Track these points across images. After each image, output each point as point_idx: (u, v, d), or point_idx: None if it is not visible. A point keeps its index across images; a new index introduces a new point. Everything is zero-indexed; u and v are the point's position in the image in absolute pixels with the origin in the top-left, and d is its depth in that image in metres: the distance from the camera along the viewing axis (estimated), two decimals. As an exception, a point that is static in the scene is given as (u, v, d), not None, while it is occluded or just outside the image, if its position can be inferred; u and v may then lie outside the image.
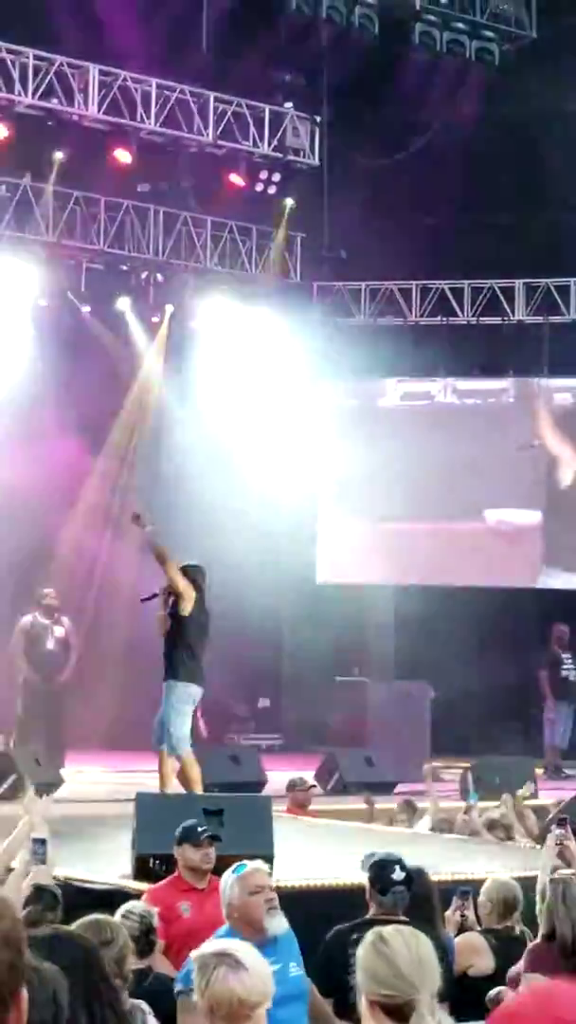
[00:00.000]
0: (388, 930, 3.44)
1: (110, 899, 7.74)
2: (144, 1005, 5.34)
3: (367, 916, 6.49)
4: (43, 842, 6.71)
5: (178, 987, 5.38)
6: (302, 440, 22.04)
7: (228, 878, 5.95)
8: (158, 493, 21.20)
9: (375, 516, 21.87)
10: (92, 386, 20.45)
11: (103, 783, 15.65)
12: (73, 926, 5.13)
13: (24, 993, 1.56)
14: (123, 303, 20.96)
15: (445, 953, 6.75)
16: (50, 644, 16.47)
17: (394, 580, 21.08)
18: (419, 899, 6.83)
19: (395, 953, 3.32)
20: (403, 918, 6.47)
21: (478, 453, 21.65)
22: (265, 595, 21.58)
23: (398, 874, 6.51)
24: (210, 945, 3.98)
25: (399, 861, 6.60)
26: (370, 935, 3.46)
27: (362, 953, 3.41)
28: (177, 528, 21.01)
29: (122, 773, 16.58)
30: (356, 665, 19.10)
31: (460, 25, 20.83)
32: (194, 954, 3.90)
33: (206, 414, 21.24)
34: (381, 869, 6.57)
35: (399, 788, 15.13)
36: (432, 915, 6.98)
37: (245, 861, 6.18)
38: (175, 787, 11.49)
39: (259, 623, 21.65)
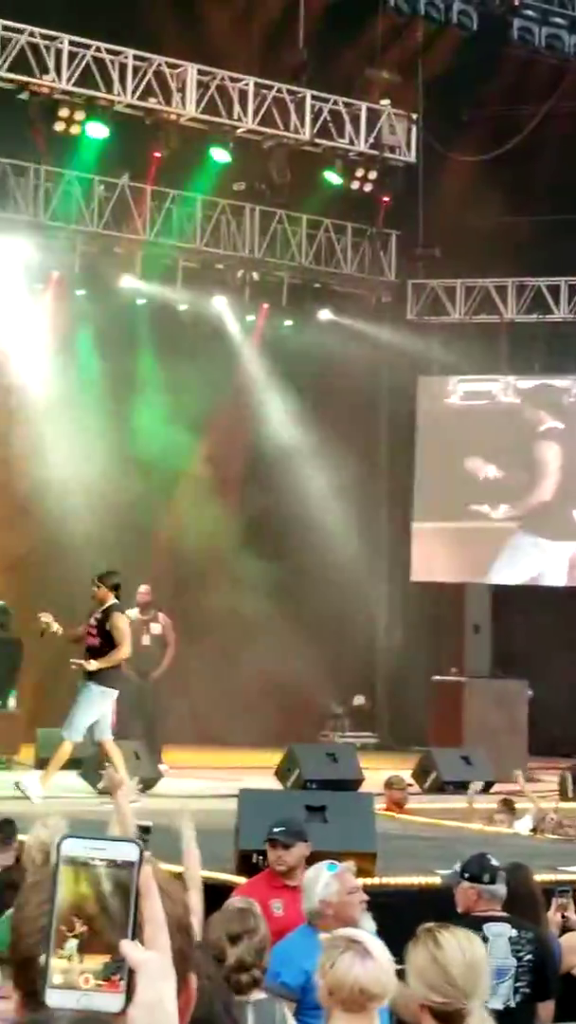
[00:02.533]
0: (444, 934, 3.37)
1: (213, 894, 7.77)
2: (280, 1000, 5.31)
3: (460, 911, 6.47)
4: (147, 830, 6.72)
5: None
6: (396, 437, 22.01)
7: (323, 875, 5.96)
8: (256, 489, 21.30)
9: (470, 514, 21.80)
10: (190, 384, 20.56)
11: (200, 778, 15.72)
12: (216, 914, 5.17)
13: (193, 978, 1.60)
14: (219, 301, 21.05)
15: (550, 951, 6.74)
16: (146, 640, 16.59)
17: (490, 578, 20.98)
18: (521, 896, 6.81)
19: (449, 960, 3.26)
20: (501, 913, 6.47)
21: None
22: (360, 594, 21.59)
23: (491, 869, 6.55)
24: (349, 930, 3.99)
25: (492, 858, 6.64)
26: (424, 936, 3.40)
27: (414, 957, 3.35)
28: (272, 526, 21.12)
29: (219, 769, 16.66)
30: (452, 664, 19.02)
31: (559, 20, 20.69)
32: (323, 936, 3.91)
33: (302, 409, 21.26)
34: (474, 866, 6.58)
35: (496, 788, 15.06)
36: (536, 912, 6.96)
37: (334, 861, 6.18)
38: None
39: (354, 622, 21.67)
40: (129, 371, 20.36)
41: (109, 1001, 1.53)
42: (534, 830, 11.77)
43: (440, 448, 22.01)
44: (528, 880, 7.10)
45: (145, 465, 20.07)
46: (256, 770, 15.63)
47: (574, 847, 10.99)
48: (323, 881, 5.92)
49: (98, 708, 13.18)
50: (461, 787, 14.49)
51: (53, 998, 1.53)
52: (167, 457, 20.51)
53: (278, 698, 19.63)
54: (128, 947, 1.52)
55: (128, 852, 1.56)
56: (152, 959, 1.53)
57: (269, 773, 14.42)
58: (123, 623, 13.35)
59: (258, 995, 5.11)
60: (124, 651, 13.36)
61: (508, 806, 12.61)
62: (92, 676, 13.13)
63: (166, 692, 17.28)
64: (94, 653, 13.21)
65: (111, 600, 13.38)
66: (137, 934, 1.53)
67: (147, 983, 1.53)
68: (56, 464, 19.16)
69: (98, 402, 20.02)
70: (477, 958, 3.28)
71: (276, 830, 7.55)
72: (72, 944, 1.54)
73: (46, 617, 13.33)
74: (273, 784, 13.71)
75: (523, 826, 12.04)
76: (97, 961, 1.54)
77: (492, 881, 6.52)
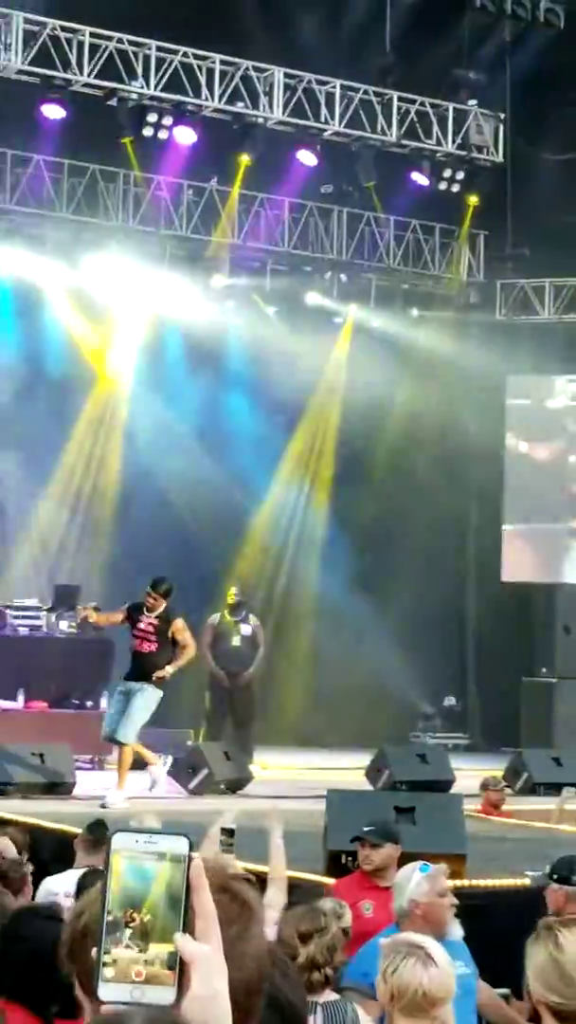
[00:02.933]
0: (565, 933, 3.34)
1: (304, 894, 7.81)
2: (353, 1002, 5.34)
3: (552, 914, 6.45)
4: (231, 832, 6.76)
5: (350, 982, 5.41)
6: (486, 437, 21.93)
7: (414, 875, 5.93)
8: (344, 492, 21.34)
9: (560, 513, 21.69)
10: (278, 387, 20.65)
11: (292, 779, 15.77)
12: (288, 912, 5.19)
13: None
14: (308, 304, 21.10)
15: None
16: (236, 641, 16.69)
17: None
18: None
19: (568, 960, 3.25)
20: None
21: None
22: (451, 594, 21.55)
23: None
24: (415, 936, 4.02)
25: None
26: (544, 934, 3.36)
27: (534, 954, 3.33)
28: (363, 523, 21.14)
29: (311, 769, 16.70)
30: (543, 665, 18.94)
31: None
32: (383, 941, 3.95)
33: (390, 407, 21.28)
34: (563, 867, 6.57)
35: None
36: None
37: (427, 862, 6.17)
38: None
39: (445, 622, 21.62)
40: (218, 375, 20.53)
41: (162, 994, 1.53)
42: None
43: (529, 447, 21.91)
44: None
45: (236, 466, 20.22)
46: (347, 771, 15.66)
47: None
48: (415, 880, 5.90)
49: (152, 710, 13.30)
50: (553, 788, 14.42)
51: (106, 992, 1.54)
52: (259, 456, 20.65)
53: (369, 699, 19.65)
54: (181, 940, 1.52)
55: (178, 845, 1.56)
56: (205, 952, 1.53)
57: (360, 774, 14.44)
58: (184, 624, 13.52)
59: (329, 995, 5.10)
60: (191, 651, 13.52)
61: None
62: (150, 679, 13.18)
63: (257, 693, 17.36)
64: (152, 657, 13.28)
65: (163, 605, 13.42)
66: (189, 927, 1.54)
67: (200, 977, 1.52)
68: (150, 464, 19.37)
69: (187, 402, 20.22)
70: None
71: (366, 829, 7.58)
72: (124, 936, 1.54)
73: (86, 609, 14.29)
74: (364, 785, 13.72)
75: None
76: (150, 954, 1.54)
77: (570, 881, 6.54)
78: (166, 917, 1.55)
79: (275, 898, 6.52)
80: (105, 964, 1.55)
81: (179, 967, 1.54)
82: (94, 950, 1.55)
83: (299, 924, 5.04)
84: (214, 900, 1.57)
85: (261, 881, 8.08)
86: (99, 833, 7.86)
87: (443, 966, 3.74)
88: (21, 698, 16.22)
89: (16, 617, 17.00)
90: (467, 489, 21.92)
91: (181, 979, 1.54)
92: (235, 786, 13.96)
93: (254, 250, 20.32)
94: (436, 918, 5.80)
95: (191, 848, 1.56)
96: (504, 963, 6.37)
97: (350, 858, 8.64)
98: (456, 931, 5.87)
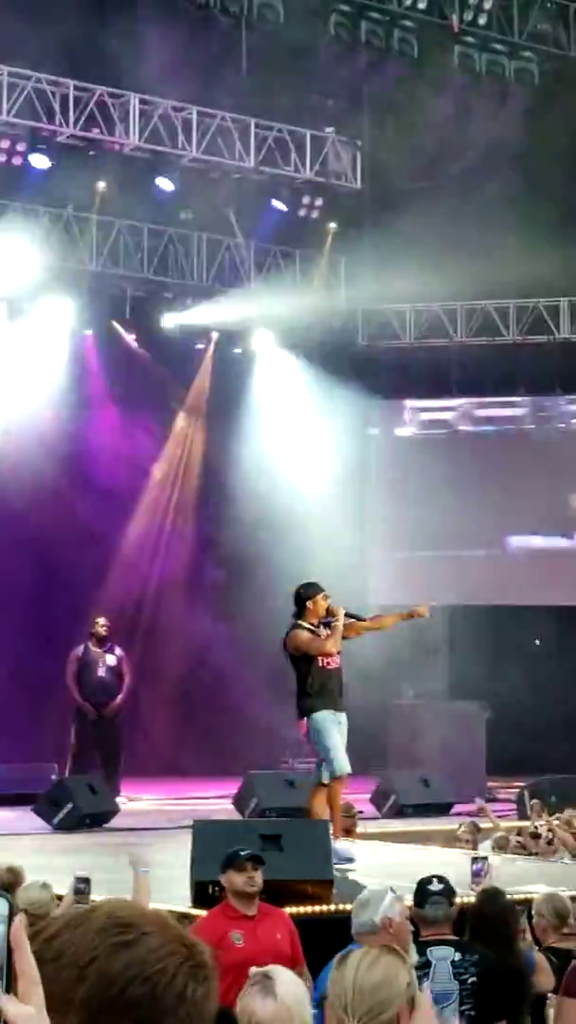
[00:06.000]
0: (355, 953, 3.38)
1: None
2: None
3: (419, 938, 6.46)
4: (86, 880, 6.68)
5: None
6: (350, 462, 21.99)
7: (387, 895, 6.06)
8: (209, 517, 21.24)
9: (427, 540, 21.83)
10: (139, 415, 20.54)
11: (159, 810, 15.63)
12: None
13: None
14: (168, 330, 21.03)
15: (524, 974, 6.75)
16: (102, 672, 16.51)
17: (447, 600, 21.01)
18: (494, 921, 6.82)
19: (340, 975, 3.29)
20: (450, 937, 6.48)
21: (511, 477, 21.65)
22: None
23: (435, 885, 6.60)
24: (270, 967, 4.02)
25: (438, 877, 6.69)
26: (340, 955, 3.47)
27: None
28: (231, 548, 21.05)
29: (178, 800, 16.56)
30: (411, 687, 19.01)
31: (498, 47, 20.81)
32: (252, 969, 3.97)
33: (254, 439, 21.27)
34: (419, 884, 6.61)
35: (455, 809, 15.04)
36: (506, 935, 6.93)
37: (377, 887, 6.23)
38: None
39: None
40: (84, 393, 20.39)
41: None
42: (495, 850, 11.74)
43: (390, 475, 22.05)
44: (497, 902, 7.08)
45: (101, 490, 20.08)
46: (215, 800, 15.56)
47: (535, 866, 10.96)
48: (389, 899, 6.04)
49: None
50: (421, 809, 14.48)
51: None
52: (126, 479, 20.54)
53: (237, 727, 19.55)
54: (5, 1001, 1.48)
55: None
56: (28, 1013, 1.49)
57: (229, 803, 14.34)
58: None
59: None
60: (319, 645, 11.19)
61: (472, 828, 12.58)
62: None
63: (123, 724, 17.17)
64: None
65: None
66: (12, 988, 1.49)
67: None
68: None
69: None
70: (370, 978, 3.28)
71: (242, 853, 7.49)
72: None
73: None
74: (233, 814, 13.63)
75: (486, 848, 12.00)
76: None
77: (422, 905, 6.57)
78: None
79: None
80: None
81: None
82: None
83: None
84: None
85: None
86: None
87: (283, 999, 3.75)
88: None
89: None
90: (332, 513, 21.94)
91: None
92: (100, 819, 13.77)
93: (114, 277, 20.18)
94: (404, 937, 5.93)
95: (12, 909, 1.50)
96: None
97: (217, 888, 8.54)
98: (414, 955, 5.93)
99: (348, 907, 8.69)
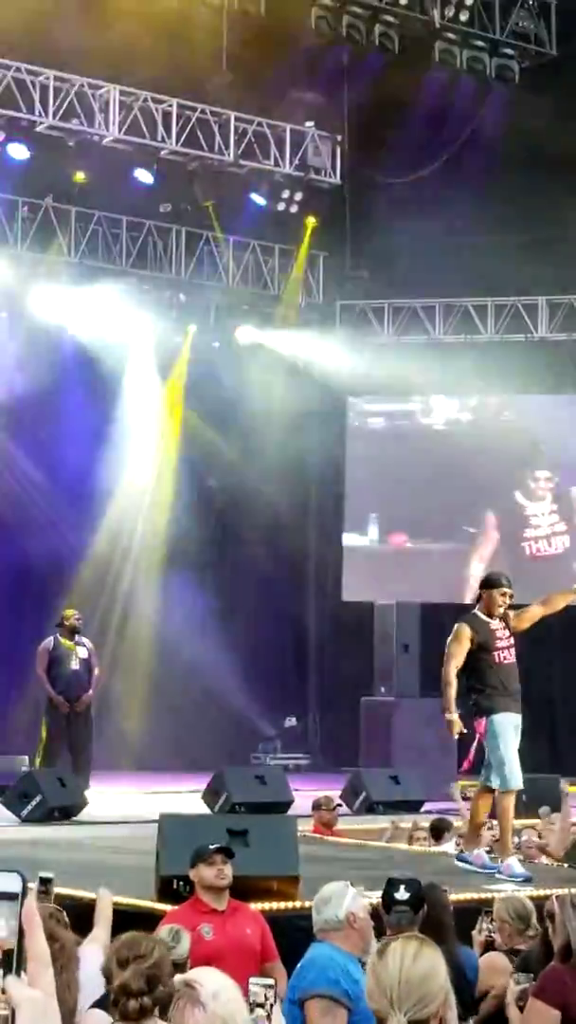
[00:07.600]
0: (394, 943, 3.41)
1: (133, 921, 7.67)
2: None
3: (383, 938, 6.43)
4: (49, 880, 6.64)
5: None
6: (328, 458, 22.00)
7: (348, 890, 6.06)
8: (185, 510, 21.21)
9: (403, 533, 21.83)
10: (118, 404, 20.49)
11: (129, 804, 15.58)
12: (113, 941, 5.08)
13: None
14: (146, 323, 20.97)
15: (463, 970, 6.69)
16: (73, 664, 16.42)
17: (419, 597, 21.01)
18: (431, 915, 6.77)
19: (384, 967, 3.29)
20: (417, 935, 6.42)
21: (498, 469, 21.64)
22: (292, 614, 21.54)
23: (401, 894, 6.51)
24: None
25: (406, 881, 6.57)
26: (380, 945, 3.47)
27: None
28: (207, 539, 21.02)
29: (149, 794, 16.53)
30: (382, 684, 19.00)
31: (479, 43, 20.79)
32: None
33: (230, 431, 21.24)
34: (387, 889, 6.56)
35: (426, 807, 15.04)
36: (444, 932, 6.88)
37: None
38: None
39: (286, 642, 21.60)
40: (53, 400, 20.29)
41: None
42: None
43: (374, 467, 22.05)
44: (437, 900, 7.01)
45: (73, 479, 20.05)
46: (186, 794, 15.52)
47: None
48: (351, 895, 6.04)
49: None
50: (391, 807, 14.47)
51: None
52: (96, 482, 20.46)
53: (209, 721, 19.53)
54: (11, 984, 1.44)
55: (9, 883, 1.47)
56: (36, 996, 1.45)
57: (199, 798, 14.31)
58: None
59: None
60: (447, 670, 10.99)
61: (433, 826, 12.55)
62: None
63: (95, 717, 17.12)
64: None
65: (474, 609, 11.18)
66: (21, 968, 1.46)
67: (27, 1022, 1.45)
68: None
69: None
70: (416, 970, 3.30)
71: (212, 846, 7.47)
72: None
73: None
74: (202, 809, 13.59)
75: (451, 846, 11.99)
76: None
77: (387, 910, 6.50)
78: None
79: (100, 934, 6.40)
80: None
81: (11, 1015, 1.46)
82: None
83: (119, 951, 4.90)
84: None
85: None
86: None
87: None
88: None
89: None
90: (307, 509, 21.96)
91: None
92: (69, 812, 13.73)
93: (92, 269, 20.12)
94: (368, 932, 5.98)
95: (25, 886, 1.47)
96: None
97: (182, 883, 8.50)
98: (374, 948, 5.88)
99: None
